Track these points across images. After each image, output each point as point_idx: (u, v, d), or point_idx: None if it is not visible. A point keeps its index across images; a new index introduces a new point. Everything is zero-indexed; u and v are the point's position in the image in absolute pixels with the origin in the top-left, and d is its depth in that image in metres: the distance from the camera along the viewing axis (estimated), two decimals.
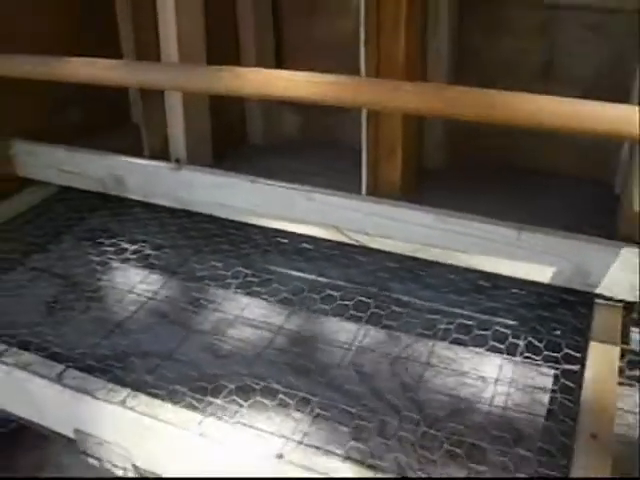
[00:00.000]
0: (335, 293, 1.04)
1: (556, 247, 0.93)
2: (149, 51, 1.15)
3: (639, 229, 0.91)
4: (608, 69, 1.23)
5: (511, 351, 0.91)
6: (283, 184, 1.08)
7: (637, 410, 0.82)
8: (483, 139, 1.27)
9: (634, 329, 0.95)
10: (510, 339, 0.92)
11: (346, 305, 1.01)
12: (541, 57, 1.29)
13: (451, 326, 0.96)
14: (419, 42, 1.07)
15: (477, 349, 0.93)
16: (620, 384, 0.84)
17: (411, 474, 0.73)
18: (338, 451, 0.76)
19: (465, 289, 1.03)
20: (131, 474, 0.87)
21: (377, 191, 1.06)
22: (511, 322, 0.96)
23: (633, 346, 0.93)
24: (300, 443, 0.77)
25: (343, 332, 0.99)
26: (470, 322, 0.96)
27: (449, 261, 1.00)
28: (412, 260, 1.06)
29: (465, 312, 0.99)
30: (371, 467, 0.73)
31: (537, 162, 1.32)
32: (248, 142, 1.52)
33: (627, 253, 0.90)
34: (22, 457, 1.30)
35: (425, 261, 1.04)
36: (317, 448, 0.76)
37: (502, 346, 0.91)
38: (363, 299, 1.02)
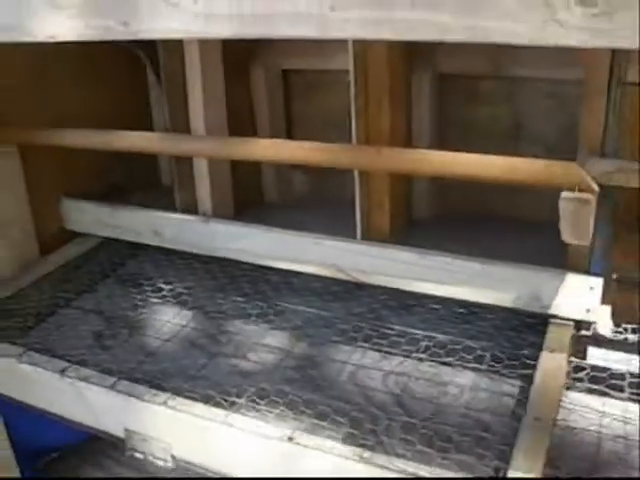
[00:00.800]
0: (337, 322, 1.25)
1: (513, 276, 1.14)
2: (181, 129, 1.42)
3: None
4: (566, 129, 1.45)
5: (480, 363, 1.10)
6: (292, 232, 1.32)
7: (577, 403, 1.01)
8: (469, 191, 1.50)
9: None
10: (479, 354, 1.12)
11: (346, 331, 1.22)
12: (511, 121, 1.53)
13: (431, 345, 1.16)
14: (403, 113, 1.30)
15: (454, 364, 1.12)
16: (567, 387, 1.04)
17: (391, 451, 0.92)
18: (337, 435, 0.96)
19: (445, 315, 1.23)
20: (170, 464, 1.07)
21: (369, 236, 1.29)
22: (482, 341, 1.16)
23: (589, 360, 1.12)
24: (306, 430, 0.97)
25: (343, 353, 1.19)
26: (448, 342, 1.16)
27: (429, 292, 1.21)
28: (401, 293, 1.28)
29: (444, 334, 1.18)
30: (362, 445, 0.93)
31: (517, 211, 1.51)
32: (264, 200, 1.75)
33: (571, 279, 1.11)
34: None
35: (412, 294, 1.26)
36: (320, 433, 0.96)
37: (473, 360, 1.11)
38: (360, 326, 1.22)
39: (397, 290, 1.27)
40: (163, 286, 1.41)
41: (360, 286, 1.32)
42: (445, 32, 0.61)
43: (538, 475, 0.84)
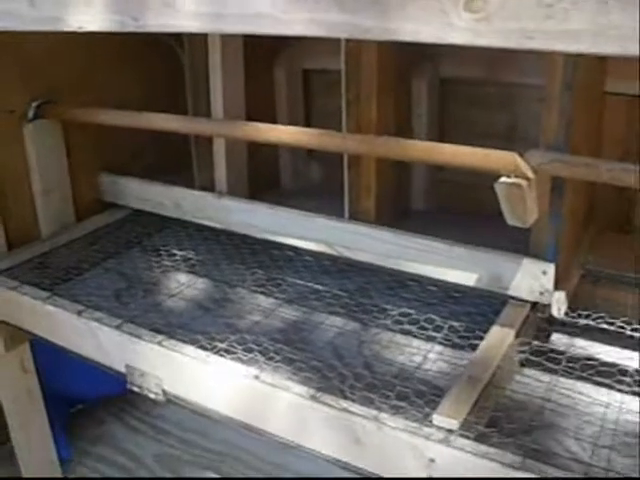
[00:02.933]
0: (327, 295, 1.40)
1: (476, 258, 1.27)
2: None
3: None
4: None
5: (441, 335, 1.23)
6: (290, 209, 1.48)
7: (516, 372, 1.13)
8: (469, 187, 1.62)
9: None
10: (442, 327, 1.25)
11: (333, 304, 1.36)
12: (506, 124, 1.65)
13: (404, 319, 1.30)
14: (392, 111, 1.45)
15: (421, 335, 1.25)
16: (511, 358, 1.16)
17: (339, 394, 1.06)
18: (297, 378, 1.11)
19: (416, 291, 1.37)
20: (161, 397, 1.25)
21: (357, 217, 1.44)
22: (447, 316, 1.29)
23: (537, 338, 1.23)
24: (271, 371, 1.13)
25: (327, 322, 1.33)
26: (418, 317, 1.28)
27: (402, 269, 1.35)
28: (385, 271, 1.42)
29: (417, 310, 1.31)
30: (317, 388, 1.07)
31: None
32: (280, 185, 1.92)
33: (527, 263, 1.23)
34: None
35: (393, 272, 1.40)
36: (283, 375, 1.11)
37: (438, 333, 1.24)
38: (348, 301, 1.36)
39: (382, 268, 1.41)
40: (179, 254, 1.59)
41: (350, 264, 1.47)
42: (366, 32, 0.76)
43: (460, 420, 0.97)
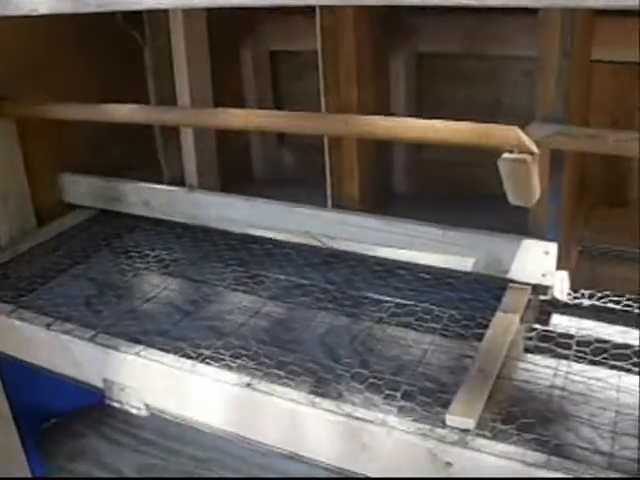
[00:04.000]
0: (312, 289, 1.31)
1: (472, 242, 1.20)
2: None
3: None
4: None
5: (440, 324, 1.16)
6: (268, 200, 1.38)
7: (526, 360, 1.06)
8: (453, 168, 1.55)
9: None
10: (440, 316, 1.17)
11: (321, 298, 1.28)
12: (489, 98, 1.58)
13: (400, 311, 1.22)
14: (372, 90, 1.36)
15: (419, 327, 1.18)
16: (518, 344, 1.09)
17: (340, 398, 0.98)
18: (292, 383, 1.02)
19: (410, 280, 1.29)
20: (143, 412, 1.15)
21: (340, 204, 1.35)
22: (444, 304, 1.21)
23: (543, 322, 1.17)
24: (264, 378, 1.04)
25: (316, 318, 1.25)
26: (413, 307, 1.21)
27: (392, 257, 1.27)
28: (371, 260, 1.34)
29: (408, 300, 1.24)
30: (314, 393, 0.99)
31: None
32: (253, 176, 1.82)
33: (527, 244, 1.16)
34: None
35: (380, 260, 1.32)
36: (277, 382, 1.03)
37: (434, 322, 1.16)
38: (336, 294, 1.28)
39: (367, 257, 1.33)
40: (151, 255, 1.49)
41: (335, 255, 1.39)
42: None
43: (476, 419, 0.89)
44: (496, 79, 1.54)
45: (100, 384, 1.17)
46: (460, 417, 0.89)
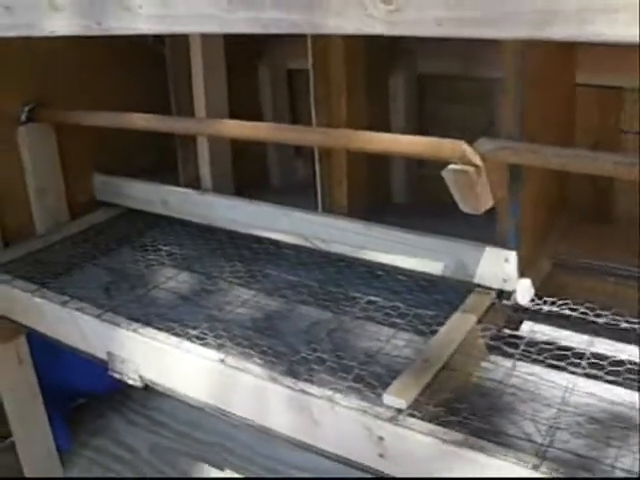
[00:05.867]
0: (302, 289, 1.43)
1: (443, 247, 1.30)
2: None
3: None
4: None
5: (404, 320, 1.27)
6: (268, 204, 1.53)
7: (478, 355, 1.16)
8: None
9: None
10: (407, 314, 1.28)
11: (306, 294, 1.40)
12: (485, 118, 1.67)
13: (371, 307, 1.33)
14: (368, 108, 1.49)
15: (386, 322, 1.29)
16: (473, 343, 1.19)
17: (299, 377, 1.10)
18: (262, 362, 1.15)
19: (387, 281, 1.40)
20: (139, 383, 1.30)
21: (331, 210, 1.48)
22: (413, 304, 1.32)
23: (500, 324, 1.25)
24: (237, 356, 1.17)
25: (302, 312, 1.37)
26: (386, 305, 1.32)
27: (374, 259, 1.39)
28: (360, 265, 1.46)
29: (385, 299, 1.35)
30: (281, 372, 1.12)
31: None
32: (269, 184, 1.97)
33: (490, 251, 1.26)
34: None
35: (365, 264, 1.44)
36: (248, 360, 1.16)
37: (400, 318, 1.27)
38: (319, 291, 1.40)
39: (352, 259, 1.45)
40: (164, 249, 1.65)
41: (325, 256, 1.51)
42: (297, 27, 0.80)
43: (409, 400, 1.00)
44: (489, 100, 1.64)
45: (104, 356, 1.34)
46: (395, 397, 1.00)
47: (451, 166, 1.03)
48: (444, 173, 1.03)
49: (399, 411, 1.00)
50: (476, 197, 1.05)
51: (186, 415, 2.10)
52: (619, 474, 0.92)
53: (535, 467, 0.88)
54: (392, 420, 0.98)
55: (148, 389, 2.05)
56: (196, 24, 0.91)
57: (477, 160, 1.03)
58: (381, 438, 0.99)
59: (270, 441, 1.94)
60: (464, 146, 1.03)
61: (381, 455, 1.00)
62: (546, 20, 0.65)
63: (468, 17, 0.71)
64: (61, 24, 1.09)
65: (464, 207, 1.08)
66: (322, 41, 1.36)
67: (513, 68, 1.13)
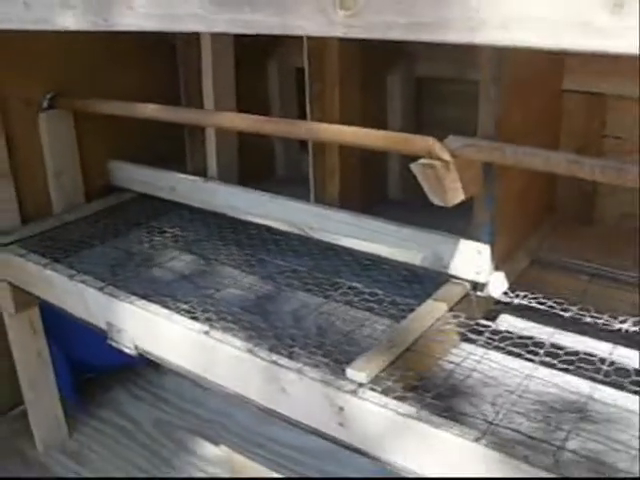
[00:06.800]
0: (292, 274, 1.52)
1: (421, 239, 1.38)
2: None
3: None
4: None
5: (380, 306, 1.35)
6: (264, 193, 1.62)
7: (439, 339, 1.23)
8: None
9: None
10: (385, 301, 1.36)
11: (300, 281, 1.48)
12: (469, 120, 1.73)
13: (351, 292, 1.41)
14: (363, 107, 1.57)
15: (367, 307, 1.37)
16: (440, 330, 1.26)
17: (274, 350, 1.19)
18: (242, 336, 1.25)
19: (371, 269, 1.48)
20: (134, 352, 1.41)
21: (322, 200, 1.57)
22: (391, 291, 1.40)
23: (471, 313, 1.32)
24: (220, 329, 1.27)
25: (289, 295, 1.45)
26: (366, 291, 1.40)
27: (354, 247, 1.47)
28: (345, 254, 1.54)
29: (366, 286, 1.42)
30: (257, 345, 1.21)
31: None
32: (275, 175, 2.07)
33: (464, 244, 1.33)
34: None
35: (351, 252, 1.52)
36: (229, 333, 1.26)
37: (377, 303, 1.36)
38: (308, 278, 1.48)
39: (339, 247, 1.53)
40: (169, 232, 1.76)
41: (316, 243, 1.59)
42: (271, 29, 0.89)
43: (370, 375, 1.08)
44: None
45: (104, 326, 1.45)
46: (357, 372, 1.09)
47: (420, 160, 1.11)
48: (412, 166, 1.11)
49: (360, 385, 1.08)
50: (444, 190, 1.13)
51: (189, 393, 2.21)
52: (567, 455, 0.98)
53: (477, 439, 0.96)
54: (352, 392, 1.07)
55: (154, 366, 2.19)
56: (187, 23, 1.00)
57: (446, 155, 1.11)
58: (341, 408, 1.07)
59: (267, 422, 2.05)
60: (432, 142, 1.11)
61: (341, 424, 1.09)
62: (473, 27, 0.73)
63: (409, 22, 0.79)
64: (72, 20, 1.20)
65: (433, 199, 1.16)
66: (317, 40, 1.45)
67: (489, 73, 1.21)
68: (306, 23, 0.87)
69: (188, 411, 2.15)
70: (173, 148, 2.02)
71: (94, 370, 2.27)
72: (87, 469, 1.92)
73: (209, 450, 1.98)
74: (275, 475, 1.88)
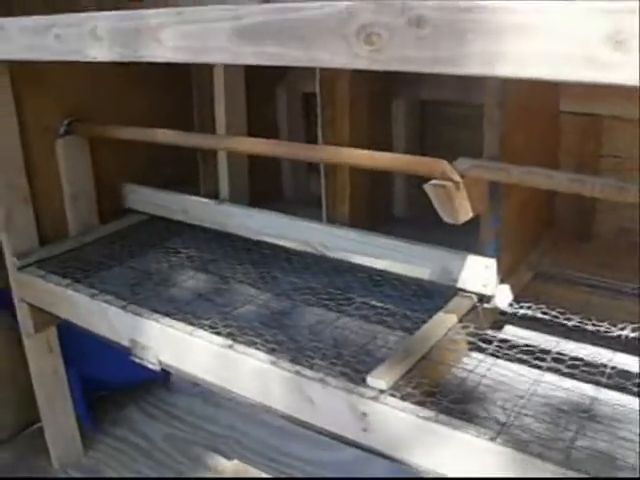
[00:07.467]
0: (306, 290, 1.59)
1: (430, 255, 1.45)
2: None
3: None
4: None
5: (393, 319, 1.42)
6: (278, 214, 1.70)
7: (454, 348, 1.30)
8: None
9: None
10: (395, 312, 1.43)
11: (314, 297, 1.55)
12: (472, 141, 1.83)
13: (366, 306, 1.49)
14: (370, 131, 1.66)
15: (380, 321, 1.44)
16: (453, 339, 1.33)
17: (297, 363, 1.26)
18: (265, 349, 1.31)
19: (382, 285, 1.56)
20: (157, 367, 1.47)
21: (334, 219, 1.65)
22: (402, 305, 1.47)
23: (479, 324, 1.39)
24: (243, 343, 1.33)
25: (305, 311, 1.52)
26: (379, 306, 1.47)
27: (366, 264, 1.54)
28: (358, 271, 1.62)
29: (378, 301, 1.50)
30: (280, 357, 1.27)
31: None
32: (282, 197, 2.15)
33: (471, 259, 1.41)
34: None
35: (363, 270, 1.59)
36: (253, 347, 1.32)
37: (390, 316, 1.43)
38: (322, 294, 1.55)
39: (353, 264, 1.60)
40: (184, 253, 1.83)
41: (328, 261, 1.66)
42: (297, 61, 0.97)
43: (389, 383, 1.15)
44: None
45: (128, 343, 1.51)
46: (377, 379, 1.15)
47: (432, 181, 1.19)
48: (426, 187, 1.18)
49: (381, 391, 1.14)
50: (454, 209, 1.21)
51: (201, 411, 2.27)
52: (577, 452, 1.04)
53: (492, 439, 1.03)
54: (374, 399, 1.13)
55: (168, 387, 2.25)
56: (215, 55, 1.08)
57: (455, 176, 1.19)
58: (364, 414, 1.14)
59: (280, 436, 2.11)
60: (444, 164, 1.19)
61: (364, 429, 1.15)
62: (491, 61, 0.81)
63: (429, 57, 0.87)
64: (101, 51, 1.27)
65: (444, 217, 1.24)
66: (329, 69, 1.54)
67: (494, 99, 1.29)
68: (332, 57, 0.95)
69: (200, 427, 2.20)
70: (182, 172, 2.10)
71: (107, 388, 2.32)
72: None
73: (222, 464, 2.03)
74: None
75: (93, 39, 1.27)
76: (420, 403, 1.12)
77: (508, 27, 0.78)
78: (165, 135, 1.65)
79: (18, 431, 2.10)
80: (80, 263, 1.79)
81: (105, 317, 1.53)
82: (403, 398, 1.13)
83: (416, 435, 1.09)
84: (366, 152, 1.26)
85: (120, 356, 1.67)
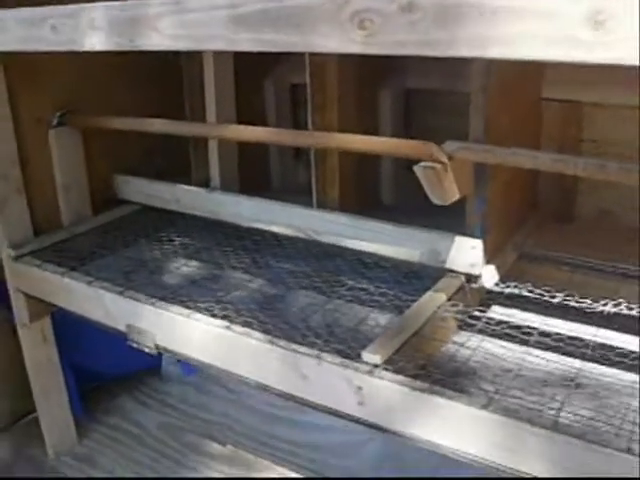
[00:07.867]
0: (299, 274, 1.63)
1: (418, 237, 1.50)
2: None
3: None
4: None
5: (385, 299, 1.47)
6: (268, 200, 1.73)
7: (443, 325, 1.35)
8: None
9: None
10: (387, 293, 1.48)
11: (305, 281, 1.59)
12: (461, 128, 1.88)
13: (359, 287, 1.53)
14: (358, 117, 1.70)
15: (372, 301, 1.49)
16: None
17: (292, 340, 1.30)
18: (261, 329, 1.35)
19: (372, 267, 1.60)
20: (154, 350, 1.50)
21: (324, 205, 1.69)
22: (393, 287, 1.52)
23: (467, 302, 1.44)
24: (240, 323, 1.37)
25: (298, 294, 1.56)
26: (370, 287, 1.52)
27: (356, 247, 1.59)
28: (348, 254, 1.66)
29: (369, 283, 1.54)
30: (277, 336, 1.31)
31: None
32: (271, 186, 2.18)
33: (459, 240, 1.46)
34: None
35: (354, 252, 1.64)
36: (249, 327, 1.36)
37: (381, 297, 1.47)
38: (316, 279, 1.59)
39: (342, 248, 1.65)
40: (177, 241, 1.86)
41: (319, 245, 1.71)
42: (294, 46, 1.01)
43: (384, 357, 1.20)
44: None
45: (124, 329, 1.54)
46: (371, 354, 1.20)
47: (422, 163, 1.24)
48: (416, 169, 1.23)
49: (375, 366, 1.19)
50: (443, 190, 1.25)
51: (194, 399, 2.30)
52: (564, 418, 1.09)
53: (484, 407, 1.08)
54: (369, 373, 1.18)
55: (158, 374, 2.27)
56: (212, 42, 1.11)
57: (444, 158, 1.24)
58: (360, 388, 1.18)
59: (271, 422, 2.15)
60: (432, 146, 1.24)
61: (360, 403, 1.19)
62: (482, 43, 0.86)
63: (421, 40, 0.92)
64: (99, 41, 1.30)
65: (433, 198, 1.28)
66: (319, 58, 1.58)
67: (478, 84, 1.34)
68: (327, 42, 0.99)
69: (193, 415, 2.23)
70: (174, 162, 2.13)
71: (101, 379, 2.34)
72: (98, 471, 1.99)
73: (216, 450, 2.07)
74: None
75: (90, 29, 1.30)
76: (413, 376, 1.16)
77: (497, 9, 0.82)
78: (157, 124, 1.68)
79: (14, 421, 2.11)
80: (75, 253, 1.81)
81: (102, 303, 1.56)
82: (397, 371, 1.18)
83: (410, 406, 1.14)
84: (357, 136, 1.31)
85: (114, 347, 1.71)
